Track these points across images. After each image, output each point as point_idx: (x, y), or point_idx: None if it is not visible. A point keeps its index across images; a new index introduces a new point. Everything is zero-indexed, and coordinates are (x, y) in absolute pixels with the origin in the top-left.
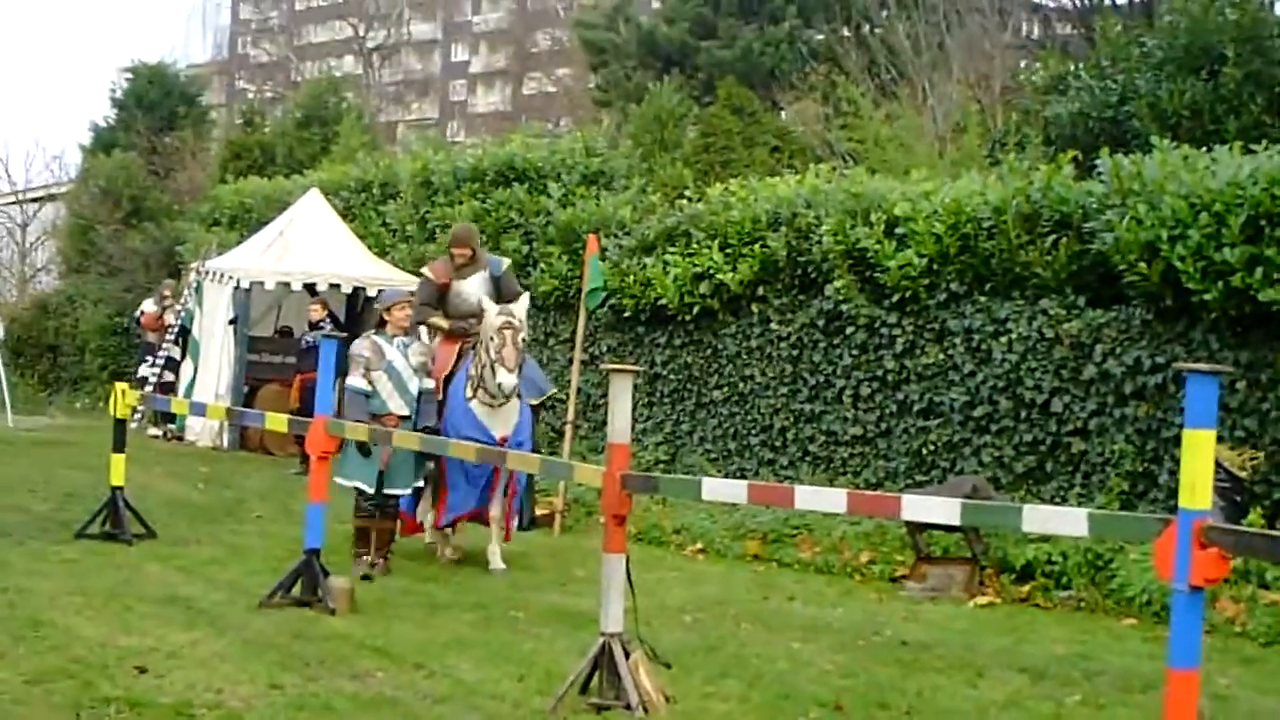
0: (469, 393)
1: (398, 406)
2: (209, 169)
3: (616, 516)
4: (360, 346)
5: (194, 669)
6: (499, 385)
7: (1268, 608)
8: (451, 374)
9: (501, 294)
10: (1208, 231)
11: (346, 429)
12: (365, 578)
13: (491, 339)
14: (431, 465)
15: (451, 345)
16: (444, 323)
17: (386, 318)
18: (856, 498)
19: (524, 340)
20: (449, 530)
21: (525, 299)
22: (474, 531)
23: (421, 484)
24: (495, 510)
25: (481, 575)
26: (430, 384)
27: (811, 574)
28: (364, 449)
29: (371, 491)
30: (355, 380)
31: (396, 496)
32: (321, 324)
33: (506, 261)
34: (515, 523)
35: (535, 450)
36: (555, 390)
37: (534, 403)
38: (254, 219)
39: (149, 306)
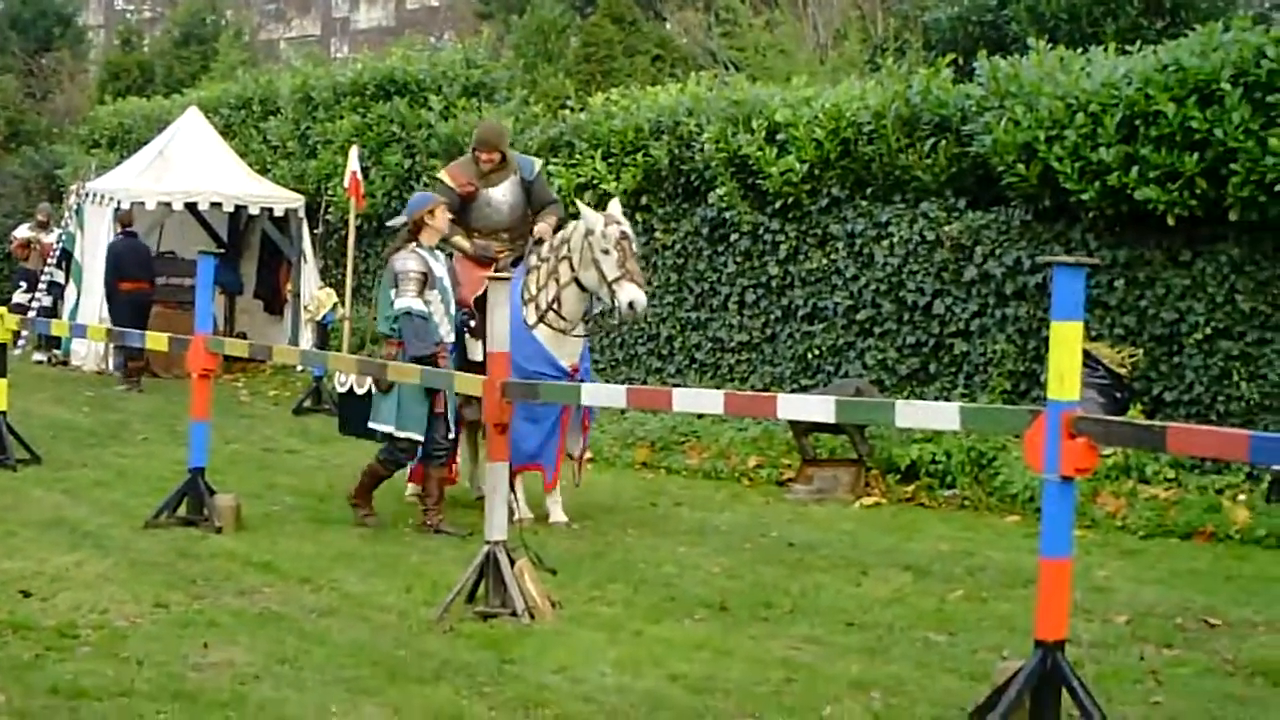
0: (531, 318)
1: (447, 332)
2: (87, 90)
3: (498, 425)
4: (409, 262)
5: (79, 591)
6: (630, 304)
7: (1147, 502)
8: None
9: (533, 201)
10: (1084, 132)
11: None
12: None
13: (606, 252)
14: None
15: (479, 266)
16: (467, 244)
17: (429, 221)
18: (734, 398)
19: (638, 250)
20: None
21: (616, 204)
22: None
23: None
24: (576, 448)
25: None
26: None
27: (699, 480)
28: (389, 386)
29: (423, 440)
30: (415, 302)
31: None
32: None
33: (539, 163)
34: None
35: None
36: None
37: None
38: (134, 140)
39: (21, 232)
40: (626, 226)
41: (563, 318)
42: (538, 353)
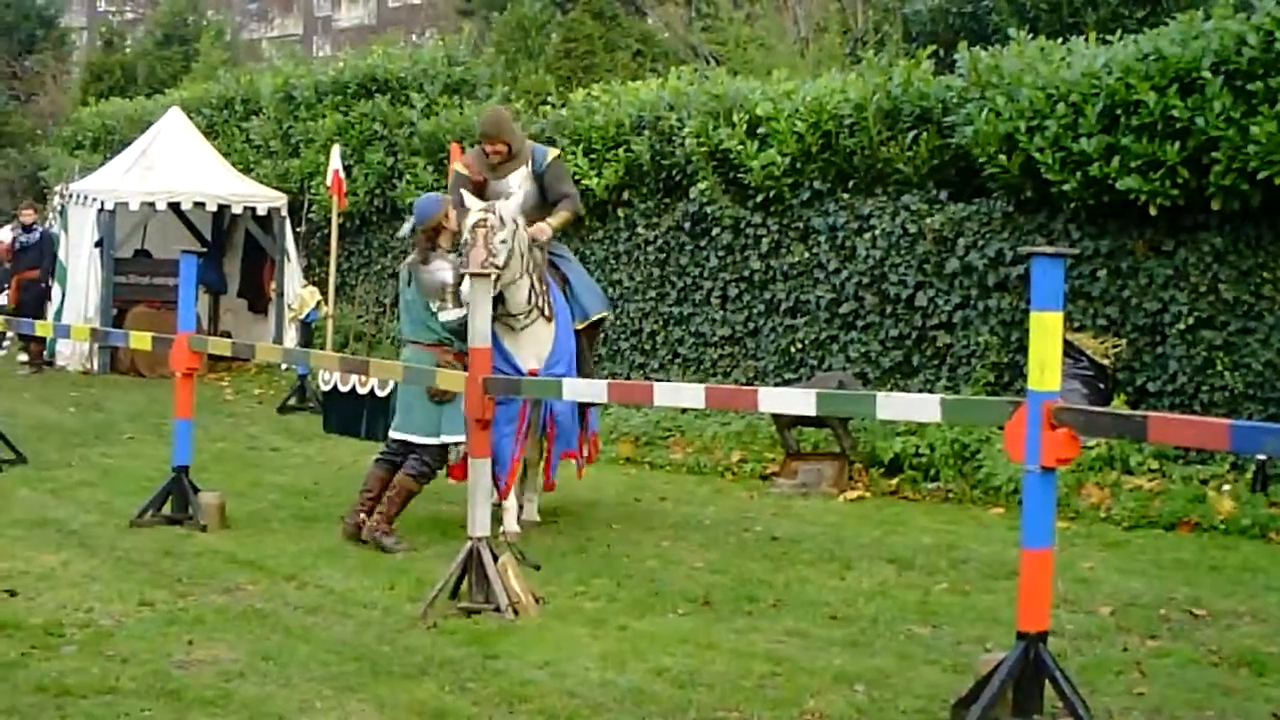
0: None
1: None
2: (70, 92)
3: (480, 421)
4: (445, 272)
5: (65, 590)
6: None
7: (1131, 493)
8: None
9: (547, 195)
10: (1065, 122)
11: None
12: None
13: (467, 241)
14: None
15: None
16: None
17: (446, 225)
18: (714, 392)
19: (504, 241)
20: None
21: (510, 191)
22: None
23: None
24: (529, 453)
25: (353, 486)
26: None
27: (683, 474)
28: (442, 395)
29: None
30: (453, 313)
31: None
32: (34, 227)
33: (553, 152)
34: (554, 472)
35: None
36: (606, 313)
37: (578, 327)
38: (117, 141)
39: (3, 235)
40: (494, 215)
41: (509, 313)
42: (497, 352)
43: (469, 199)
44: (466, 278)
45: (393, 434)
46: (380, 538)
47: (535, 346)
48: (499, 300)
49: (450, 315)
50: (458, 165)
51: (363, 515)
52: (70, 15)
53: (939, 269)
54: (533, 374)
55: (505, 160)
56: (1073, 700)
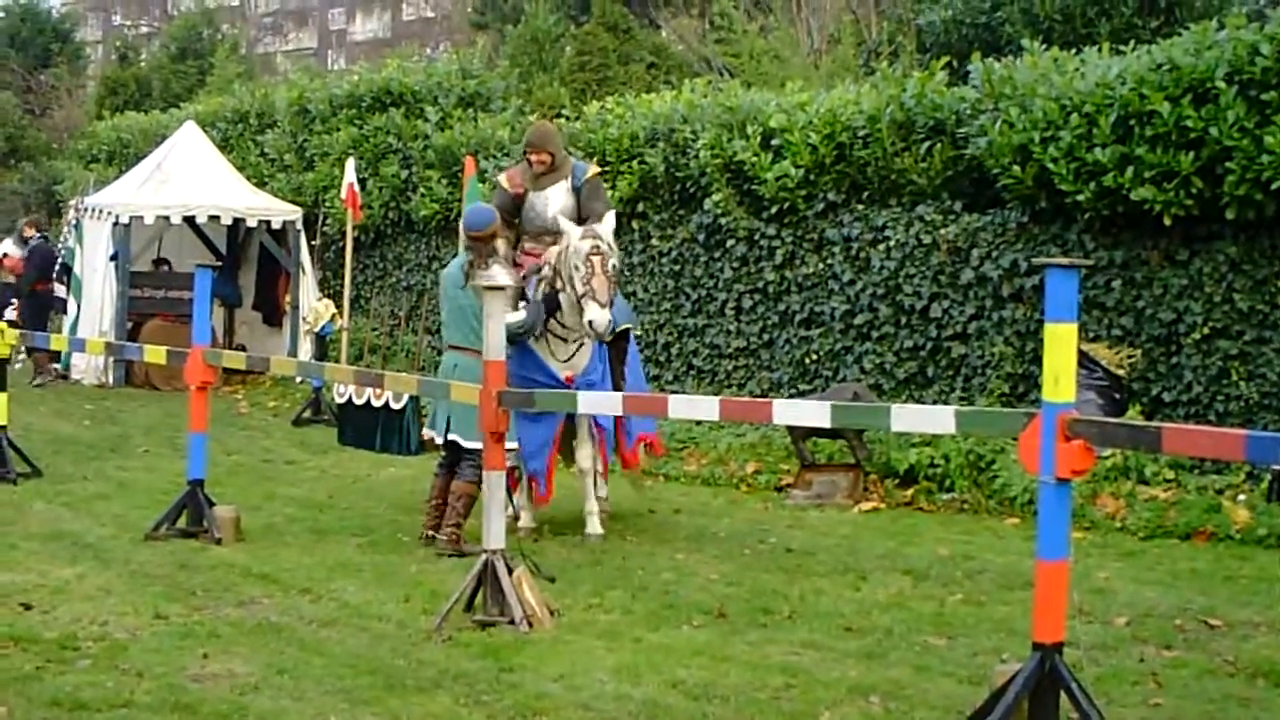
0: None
1: None
2: (85, 106)
3: (494, 433)
4: (505, 276)
5: (79, 603)
6: (590, 323)
7: (1146, 503)
8: None
9: (581, 209)
10: (1079, 132)
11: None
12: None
13: (577, 268)
14: None
15: (517, 270)
16: (504, 248)
17: (499, 234)
18: (729, 404)
19: (615, 267)
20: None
21: (610, 218)
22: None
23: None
24: (585, 460)
25: (368, 500)
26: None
27: (698, 486)
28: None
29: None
30: (511, 316)
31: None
32: (29, 241)
33: (592, 168)
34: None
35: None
36: (632, 324)
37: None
38: (131, 154)
39: (10, 249)
40: (603, 242)
41: (562, 325)
42: (533, 361)
43: (564, 223)
44: (591, 304)
45: (450, 437)
46: (456, 549)
47: (575, 357)
48: (556, 311)
49: (510, 318)
50: (500, 179)
51: (432, 529)
52: (85, 29)
53: (953, 280)
54: (569, 381)
55: (547, 171)
56: (1088, 711)
